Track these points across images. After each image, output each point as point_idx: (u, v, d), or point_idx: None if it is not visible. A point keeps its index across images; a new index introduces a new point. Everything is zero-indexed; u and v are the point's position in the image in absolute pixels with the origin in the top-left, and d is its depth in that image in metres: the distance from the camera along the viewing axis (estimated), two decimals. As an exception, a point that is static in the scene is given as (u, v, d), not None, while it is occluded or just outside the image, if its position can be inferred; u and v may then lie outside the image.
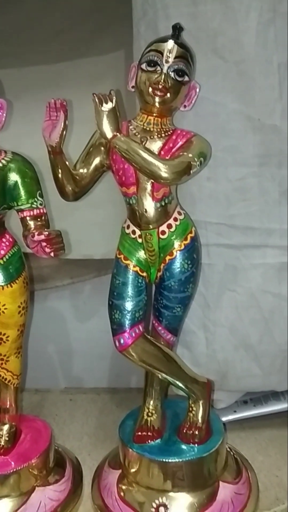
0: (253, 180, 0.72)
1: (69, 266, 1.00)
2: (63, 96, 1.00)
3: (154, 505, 0.61)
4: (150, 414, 0.67)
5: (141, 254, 0.64)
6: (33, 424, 0.71)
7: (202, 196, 0.73)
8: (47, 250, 0.55)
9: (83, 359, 1.06)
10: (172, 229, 0.63)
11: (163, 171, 0.57)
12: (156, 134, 0.62)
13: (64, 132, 0.61)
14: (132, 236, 0.64)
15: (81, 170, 0.64)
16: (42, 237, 0.55)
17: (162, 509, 0.60)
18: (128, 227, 0.65)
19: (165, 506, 0.60)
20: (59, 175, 0.63)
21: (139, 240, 0.64)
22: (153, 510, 0.60)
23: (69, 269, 1.01)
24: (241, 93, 0.70)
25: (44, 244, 0.55)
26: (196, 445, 0.63)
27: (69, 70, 1.00)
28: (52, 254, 0.55)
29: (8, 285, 0.61)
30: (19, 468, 0.62)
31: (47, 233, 0.56)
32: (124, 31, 0.99)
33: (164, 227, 0.63)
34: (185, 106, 0.64)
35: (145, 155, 0.57)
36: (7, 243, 0.63)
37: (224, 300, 0.77)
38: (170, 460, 0.61)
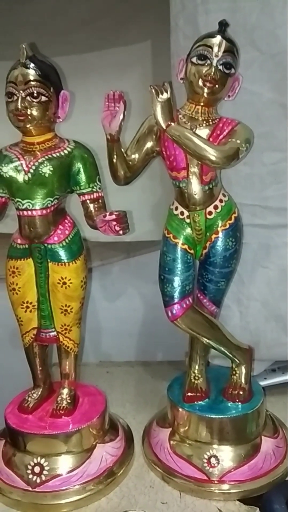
0: (286, 164, 0.78)
1: (100, 248, 1.05)
2: (90, 85, 1.05)
3: (206, 456, 0.68)
4: (196, 377, 0.74)
5: (188, 233, 0.70)
6: (87, 389, 0.77)
7: (238, 179, 0.79)
8: (117, 228, 0.61)
9: (111, 336, 1.12)
10: (218, 210, 0.69)
11: (215, 156, 0.63)
12: (204, 122, 0.67)
13: (123, 122, 0.66)
14: (181, 216, 0.70)
15: (133, 156, 0.70)
16: (113, 216, 0.61)
17: (213, 459, 0.68)
18: (176, 208, 0.71)
19: (216, 457, 0.68)
20: (114, 161, 0.68)
21: (187, 221, 0.70)
22: (205, 460, 0.68)
23: (99, 251, 1.07)
24: (276, 83, 0.75)
25: (114, 223, 0.61)
26: (241, 403, 0.70)
27: (96, 60, 1.04)
28: (121, 232, 0.61)
29: (72, 262, 0.67)
30: (82, 426, 0.69)
31: (117, 213, 0.61)
32: (151, 22, 1.04)
33: (210, 208, 0.69)
34: (229, 96, 0.69)
35: (199, 141, 0.63)
36: (69, 224, 0.69)
37: (257, 276, 0.84)
38: (218, 417, 0.68)
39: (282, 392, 0.89)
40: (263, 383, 0.88)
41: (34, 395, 0.73)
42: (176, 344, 1.17)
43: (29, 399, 0.72)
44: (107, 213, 0.62)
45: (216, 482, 0.66)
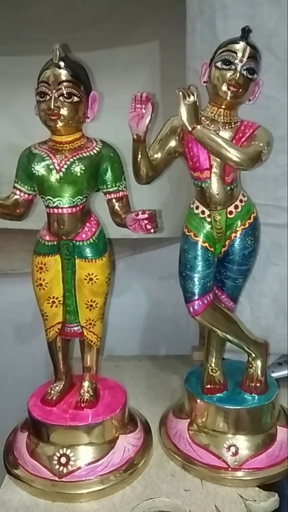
0: (298, 166, 0.81)
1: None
2: (98, 83, 1.06)
3: (225, 446, 0.71)
4: (214, 370, 0.76)
5: (208, 231, 0.73)
6: (107, 382, 0.79)
7: (252, 180, 0.82)
8: (149, 227, 0.63)
9: (116, 331, 1.14)
10: (238, 210, 0.72)
11: (240, 158, 0.65)
12: (227, 125, 0.70)
13: (149, 124, 0.68)
14: (201, 215, 0.73)
15: (155, 155, 0.72)
16: (146, 215, 0.63)
17: (232, 448, 0.71)
18: (197, 207, 0.73)
19: (235, 446, 0.71)
20: (138, 160, 0.70)
21: (208, 220, 0.72)
22: (225, 449, 0.71)
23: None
24: (291, 89, 0.79)
25: (146, 222, 0.63)
26: (257, 395, 0.74)
27: (104, 58, 1.05)
28: (152, 230, 0.63)
29: (99, 259, 0.69)
30: (106, 418, 0.71)
31: (149, 212, 0.63)
32: (159, 22, 1.05)
33: (231, 208, 0.72)
34: (249, 100, 0.72)
35: (224, 144, 0.66)
36: (94, 222, 0.70)
37: (268, 273, 0.87)
38: (237, 408, 0.71)
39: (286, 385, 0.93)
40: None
41: (57, 388, 0.74)
42: (179, 339, 1.21)
43: (52, 392, 0.74)
44: (140, 212, 0.64)
45: (236, 469, 0.69)
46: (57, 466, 0.68)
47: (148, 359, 1.09)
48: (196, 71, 0.84)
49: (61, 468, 0.68)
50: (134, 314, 1.19)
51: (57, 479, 0.67)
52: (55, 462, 0.68)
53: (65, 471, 0.68)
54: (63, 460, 0.68)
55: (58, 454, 0.69)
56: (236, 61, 0.67)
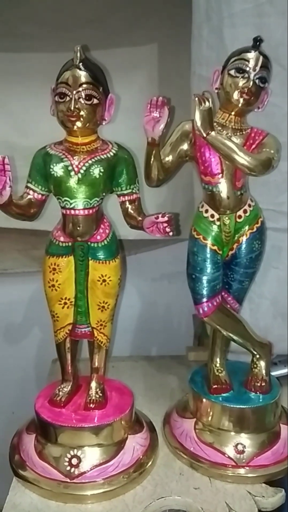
0: (300, 172, 0.84)
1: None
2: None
3: (233, 444, 0.73)
4: (219, 370, 0.78)
5: (217, 234, 0.74)
6: (113, 383, 0.80)
7: (255, 185, 0.84)
8: (168, 229, 0.64)
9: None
10: (247, 214, 0.74)
11: (254, 164, 0.67)
12: (238, 131, 0.72)
13: (165, 128, 0.68)
14: (211, 219, 0.74)
15: (166, 158, 0.73)
16: (166, 218, 0.64)
17: (240, 446, 0.72)
18: (206, 211, 0.74)
19: (242, 444, 0.73)
20: (151, 163, 0.71)
21: (218, 223, 0.74)
22: (233, 448, 0.73)
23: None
24: (294, 98, 0.81)
25: (165, 225, 0.64)
26: (262, 394, 0.76)
27: (102, 59, 1.05)
28: (171, 233, 0.64)
29: (113, 260, 0.70)
30: (116, 419, 0.71)
31: (170, 215, 0.64)
32: (157, 25, 1.06)
33: (240, 212, 0.74)
34: (258, 108, 0.74)
35: (238, 150, 0.67)
36: (107, 224, 0.71)
37: (268, 276, 0.89)
38: (243, 407, 0.73)
39: (283, 384, 0.95)
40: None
41: (65, 389, 0.74)
42: (171, 340, 1.22)
43: (60, 393, 0.74)
44: (160, 215, 0.65)
45: (243, 467, 0.71)
46: (68, 468, 0.68)
47: (144, 360, 1.09)
48: (201, 76, 0.87)
49: (72, 469, 0.68)
50: (127, 315, 1.19)
51: (68, 480, 0.67)
52: (66, 463, 0.68)
53: (76, 472, 0.68)
54: (74, 461, 0.68)
55: (69, 456, 0.68)
56: (249, 70, 0.69)
